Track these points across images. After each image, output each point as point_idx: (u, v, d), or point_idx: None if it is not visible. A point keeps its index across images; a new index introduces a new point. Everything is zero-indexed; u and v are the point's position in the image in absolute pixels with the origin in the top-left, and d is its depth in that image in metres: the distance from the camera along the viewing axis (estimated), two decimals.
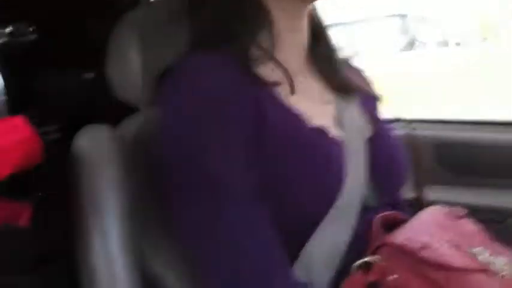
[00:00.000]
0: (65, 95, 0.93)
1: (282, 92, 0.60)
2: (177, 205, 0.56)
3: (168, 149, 0.56)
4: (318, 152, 0.58)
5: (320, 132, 0.60)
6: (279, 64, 0.62)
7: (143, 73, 0.79)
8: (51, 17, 0.90)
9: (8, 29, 0.81)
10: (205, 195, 0.53)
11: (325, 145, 0.59)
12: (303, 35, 0.68)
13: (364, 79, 0.80)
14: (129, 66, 0.80)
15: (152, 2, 1.09)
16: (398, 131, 0.83)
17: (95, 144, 0.73)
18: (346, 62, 0.78)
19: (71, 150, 0.73)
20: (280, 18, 0.64)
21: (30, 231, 0.68)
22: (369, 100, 0.76)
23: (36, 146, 0.68)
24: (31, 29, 0.83)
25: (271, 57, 0.62)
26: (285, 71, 0.61)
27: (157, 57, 0.79)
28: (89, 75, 0.91)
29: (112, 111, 0.84)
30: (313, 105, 0.65)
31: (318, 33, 0.71)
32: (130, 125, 0.79)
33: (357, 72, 0.81)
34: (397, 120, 0.86)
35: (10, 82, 0.84)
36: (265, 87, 0.59)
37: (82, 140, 0.74)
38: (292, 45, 0.66)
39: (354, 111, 0.69)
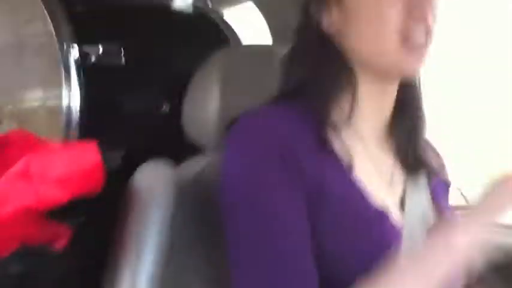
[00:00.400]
0: (137, 123, 0.92)
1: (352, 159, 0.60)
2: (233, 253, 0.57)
3: (225, 198, 0.59)
4: (375, 237, 0.57)
5: (381, 215, 0.58)
6: (353, 132, 0.61)
7: (219, 116, 0.77)
8: (141, 42, 0.91)
9: (101, 48, 0.82)
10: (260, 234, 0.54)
11: (384, 231, 0.57)
12: (387, 103, 0.65)
13: (439, 161, 0.76)
14: (206, 107, 0.78)
15: (242, 45, 1.09)
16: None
17: (151, 182, 0.73)
18: (426, 140, 0.74)
19: (128, 183, 0.72)
20: (365, 85, 0.62)
21: (62, 257, 0.65)
22: (441, 185, 0.72)
23: (101, 176, 0.66)
24: (122, 53, 0.83)
25: (347, 122, 0.60)
26: (347, 153, 0.60)
27: (236, 103, 0.77)
28: (165, 109, 0.89)
29: (178, 148, 0.81)
30: (381, 181, 0.62)
31: (406, 101, 0.67)
32: (193, 166, 0.78)
33: (434, 153, 0.76)
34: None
35: (90, 104, 0.85)
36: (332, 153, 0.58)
37: (140, 175, 0.74)
38: (372, 113, 0.64)
39: (422, 196, 0.65)
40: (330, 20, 0.60)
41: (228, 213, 0.57)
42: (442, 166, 0.76)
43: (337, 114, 0.60)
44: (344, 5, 0.59)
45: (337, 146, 0.59)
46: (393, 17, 0.56)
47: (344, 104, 0.61)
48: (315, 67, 0.61)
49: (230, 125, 0.63)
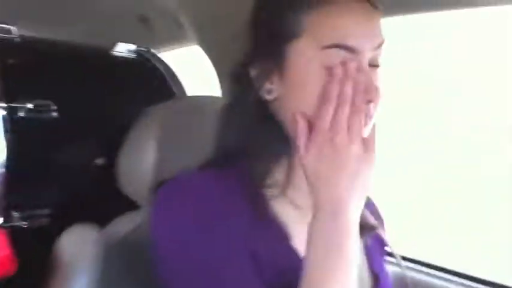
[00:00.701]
0: (69, 179, 0.88)
1: (288, 229, 0.59)
2: None
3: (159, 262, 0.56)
4: None
5: None
6: (289, 200, 0.60)
7: (155, 173, 0.74)
8: (76, 93, 0.88)
9: (30, 105, 0.78)
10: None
11: None
12: None
13: (378, 219, 0.74)
14: (142, 162, 0.76)
15: (186, 96, 1.08)
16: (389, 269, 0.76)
17: (76, 249, 0.69)
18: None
19: (53, 249, 0.68)
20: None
21: None
22: (377, 244, 0.71)
23: (11, 266, 0.62)
24: (53, 108, 0.80)
25: (283, 191, 0.60)
26: (280, 226, 0.59)
27: (174, 159, 0.74)
28: (99, 162, 0.85)
29: (111, 203, 0.77)
30: None
31: None
32: (127, 222, 0.75)
33: (374, 211, 0.76)
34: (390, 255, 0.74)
35: (18, 157, 0.80)
36: (268, 223, 0.58)
37: (65, 241, 0.71)
38: (305, 183, 0.62)
39: (357, 260, 0.64)
40: (270, 87, 0.59)
41: (165, 270, 0.55)
42: (382, 224, 0.75)
43: (273, 183, 0.59)
44: (287, 75, 0.57)
45: (272, 215, 0.58)
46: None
47: (279, 173, 0.60)
48: (251, 133, 0.60)
49: (160, 185, 0.60)
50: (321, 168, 0.52)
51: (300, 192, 0.60)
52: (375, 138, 0.55)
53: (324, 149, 0.52)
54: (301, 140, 0.55)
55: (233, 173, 0.59)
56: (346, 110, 0.53)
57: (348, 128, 0.52)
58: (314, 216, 0.53)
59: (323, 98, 0.54)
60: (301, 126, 0.55)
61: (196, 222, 0.54)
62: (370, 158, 0.53)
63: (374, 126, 0.57)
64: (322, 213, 0.52)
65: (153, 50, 1.09)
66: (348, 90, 0.53)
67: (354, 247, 0.51)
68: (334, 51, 0.54)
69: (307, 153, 0.54)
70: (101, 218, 0.76)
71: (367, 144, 0.53)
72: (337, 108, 0.53)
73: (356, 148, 0.52)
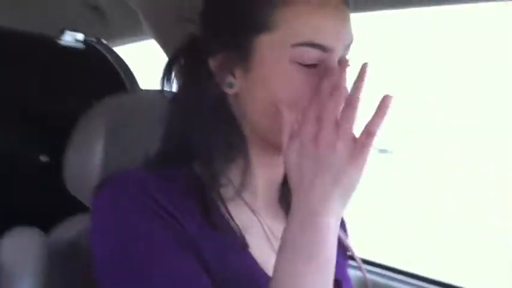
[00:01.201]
0: (9, 177, 0.82)
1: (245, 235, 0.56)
2: None
3: (97, 258, 0.53)
4: None
5: None
6: (243, 203, 0.57)
7: (102, 170, 0.70)
8: (15, 90, 0.82)
9: None
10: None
11: None
12: (278, 175, 0.61)
13: (342, 228, 0.72)
14: (89, 160, 0.71)
15: (138, 89, 1.03)
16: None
17: (18, 253, 0.65)
18: None
19: None
20: (257, 156, 0.58)
21: None
22: (339, 248, 0.68)
23: None
24: None
25: (237, 194, 0.56)
26: (237, 226, 0.56)
27: (123, 156, 0.71)
28: (44, 159, 0.80)
29: (57, 204, 0.73)
30: (271, 252, 0.56)
31: None
32: (72, 227, 0.70)
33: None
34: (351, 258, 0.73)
35: None
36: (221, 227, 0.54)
37: (6, 245, 0.66)
38: (263, 185, 0.60)
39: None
40: (232, 81, 0.56)
41: (103, 271, 0.52)
42: (346, 234, 0.72)
43: (226, 185, 0.56)
44: (252, 69, 0.54)
45: (225, 220, 0.55)
46: (300, 94, 0.52)
47: (234, 174, 0.57)
48: (206, 128, 0.55)
49: (102, 183, 0.57)
50: (303, 166, 0.48)
51: (257, 195, 0.58)
52: (371, 141, 0.48)
53: (307, 144, 0.48)
54: (285, 134, 0.51)
55: (181, 172, 0.55)
56: (338, 103, 0.49)
57: (336, 123, 0.48)
58: (290, 219, 0.49)
59: (316, 90, 0.51)
60: (287, 118, 0.51)
61: (125, 224, 0.51)
62: (359, 160, 0.47)
63: (372, 130, 0.49)
64: (299, 217, 0.48)
65: (105, 42, 1.04)
66: (343, 83, 0.50)
67: (331, 257, 0.48)
68: (305, 48, 0.52)
69: (289, 149, 0.50)
70: (46, 220, 0.72)
71: (359, 144, 0.48)
72: (327, 100, 0.49)
73: (342, 147, 0.47)
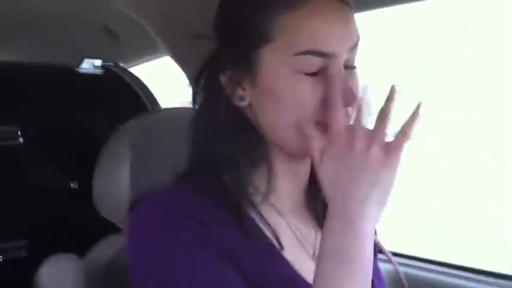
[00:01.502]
0: (42, 206, 0.84)
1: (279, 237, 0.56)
2: None
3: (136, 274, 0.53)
4: None
5: None
6: (271, 208, 0.57)
7: (131, 190, 0.71)
8: (42, 116, 0.84)
9: None
10: None
11: None
12: (302, 179, 0.61)
13: None
14: (117, 181, 0.72)
15: (160, 108, 1.04)
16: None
17: (57, 280, 0.67)
18: None
19: (33, 282, 0.65)
20: (280, 162, 0.58)
21: None
22: None
23: None
24: (18, 132, 0.76)
25: (263, 200, 0.56)
26: (273, 230, 0.56)
27: (151, 175, 0.72)
28: (73, 185, 0.82)
29: (90, 227, 0.74)
30: (306, 255, 0.58)
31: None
32: (106, 249, 0.71)
33: None
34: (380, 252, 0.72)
35: None
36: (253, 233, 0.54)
37: (45, 272, 0.68)
38: (288, 189, 0.60)
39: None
40: (242, 94, 0.56)
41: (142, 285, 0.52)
42: None
43: (253, 192, 0.56)
44: (259, 81, 0.54)
45: (258, 225, 0.55)
46: (308, 103, 0.52)
47: (260, 180, 0.57)
48: (226, 141, 0.56)
49: (135, 203, 0.58)
50: (340, 175, 0.49)
51: (283, 200, 0.58)
52: (402, 143, 0.49)
53: (343, 152, 0.49)
54: (315, 150, 0.51)
55: (211, 185, 0.56)
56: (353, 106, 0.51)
57: (367, 130, 0.49)
58: (328, 227, 0.49)
59: (330, 101, 0.52)
60: (313, 135, 0.52)
61: (166, 241, 0.51)
62: (392, 162, 0.48)
63: (407, 131, 0.50)
64: (338, 224, 0.48)
65: (122, 64, 1.06)
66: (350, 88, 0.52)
67: (369, 260, 0.48)
68: (307, 57, 0.52)
69: (324, 162, 0.50)
70: (80, 244, 0.73)
71: (389, 147, 0.49)
72: (342, 109, 0.50)
73: (377, 150, 0.48)
